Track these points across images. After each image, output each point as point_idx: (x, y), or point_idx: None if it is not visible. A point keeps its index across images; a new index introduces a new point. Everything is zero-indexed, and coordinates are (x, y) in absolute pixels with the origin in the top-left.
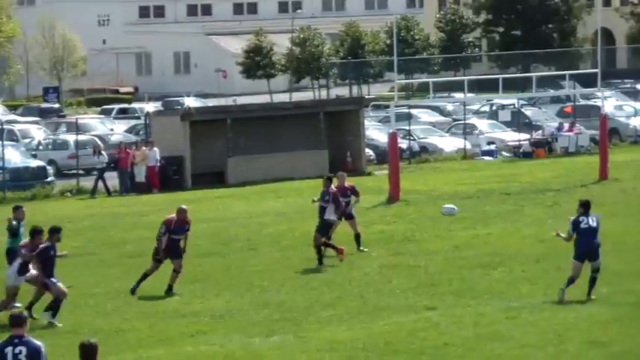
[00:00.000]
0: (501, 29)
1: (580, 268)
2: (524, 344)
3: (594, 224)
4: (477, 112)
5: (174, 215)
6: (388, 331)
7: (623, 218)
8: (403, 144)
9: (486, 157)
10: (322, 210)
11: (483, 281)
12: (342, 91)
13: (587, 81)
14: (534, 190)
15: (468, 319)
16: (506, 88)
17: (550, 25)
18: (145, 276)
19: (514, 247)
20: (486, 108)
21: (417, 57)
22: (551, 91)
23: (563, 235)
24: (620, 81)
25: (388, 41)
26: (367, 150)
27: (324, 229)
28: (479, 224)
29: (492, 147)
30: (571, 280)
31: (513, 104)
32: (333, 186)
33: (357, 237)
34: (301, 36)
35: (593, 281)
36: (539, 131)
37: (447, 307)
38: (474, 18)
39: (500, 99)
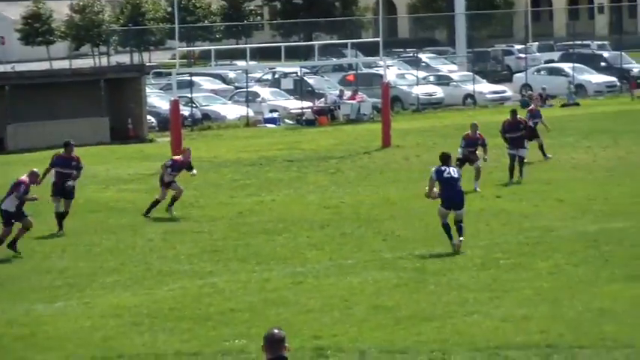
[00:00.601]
0: None
1: (447, 215)
2: (309, 309)
3: (456, 175)
4: (259, 80)
5: (25, 177)
6: (173, 297)
7: (407, 184)
8: (185, 111)
9: (269, 125)
10: (66, 176)
11: (268, 247)
12: (123, 59)
13: (370, 50)
14: (317, 158)
15: (253, 285)
16: (289, 57)
17: None
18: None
19: (298, 213)
20: (269, 76)
21: (198, 25)
22: (334, 59)
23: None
24: (402, 50)
25: (169, 9)
26: (149, 117)
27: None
28: (262, 191)
29: (275, 115)
30: (446, 227)
31: (296, 72)
32: (181, 157)
33: (174, 200)
34: (81, 3)
35: (459, 230)
36: (322, 99)
37: (232, 272)
38: None
39: (283, 67)
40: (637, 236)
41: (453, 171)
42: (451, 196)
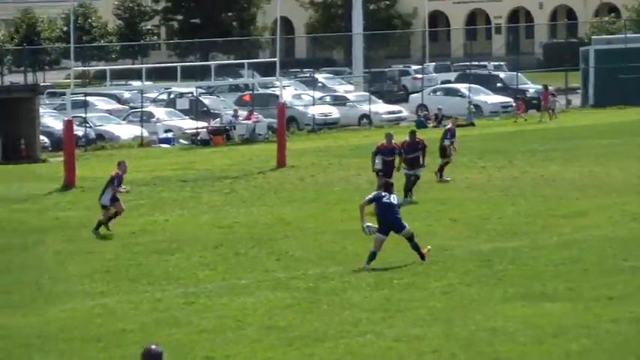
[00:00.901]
0: (180, 17)
1: (382, 242)
2: (202, 329)
3: (395, 201)
4: (154, 100)
5: None
6: (64, 318)
7: (301, 204)
8: (79, 131)
9: (164, 145)
10: None
11: (160, 267)
12: (17, 79)
13: (266, 70)
14: (212, 178)
15: (145, 305)
16: (185, 77)
17: (230, 14)
18: None
19: (191, 233)
20: (164, 96)
21: (94, 44)
22: (230, 79)
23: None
24: (299, 70)
25: (65, 28)
26: (42, 137)
27: None
28: (156, 211)
29: (170, 135)
30: (373, 255)
31: (192, 92)
32: (118, 171)
33: (116, 215)
34: None
35: (415, 248)
36: (217, 119)
37: (124, 293)
38: (152, 6)
39: (179, 87)
40: (530, 255)
41: (393, 198)
42: (391, 221)
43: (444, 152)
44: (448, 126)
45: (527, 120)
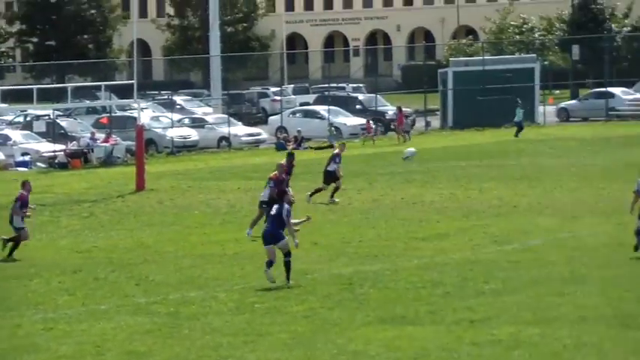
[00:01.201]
0: (36, 39)
1: (268, 251)
2: (61, 355)
3: (273, 212)
4: (11, 123)
5: None
6: None
7: (161, 228)
8: None
9: (20, 168)
10: None
11: (19, 292)
12: None
13: (124, 92)
14: (70, 201)
15: (3, 331)
16: (41, 99)
17: (85, 36)
18: None
19: (50, 258)
20: (21, 119)
21: None
22: (87, 101)
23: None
24: (156, 92)
25: None
26: None
27: None
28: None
29: (27, 158)
30: (269, 263)
31: (48, 115)
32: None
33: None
34: None
35: (286, 266)
36: (75, 142)
37: None
38: (7, 28)
39: (35, 110)
40: (391, 278)
41: (275, 208)
42: (266, 233)
43: (329, 177)
44: (336, 151)
45: (376, 142)
